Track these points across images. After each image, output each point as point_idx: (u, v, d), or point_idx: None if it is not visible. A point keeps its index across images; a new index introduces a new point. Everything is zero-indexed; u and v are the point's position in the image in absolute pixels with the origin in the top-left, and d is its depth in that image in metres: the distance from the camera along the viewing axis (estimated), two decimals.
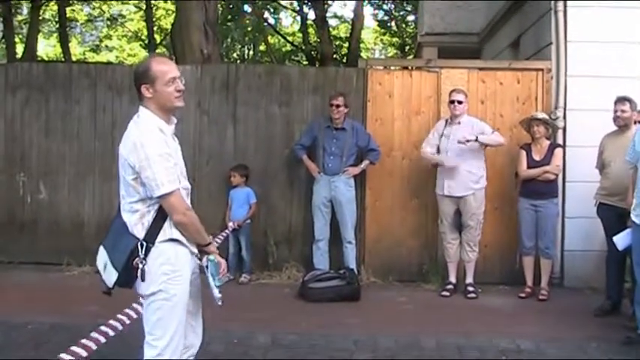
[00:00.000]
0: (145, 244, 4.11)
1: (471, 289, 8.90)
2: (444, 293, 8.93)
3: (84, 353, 4.53)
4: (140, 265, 4.10)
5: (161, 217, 4.15)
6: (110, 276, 4.23)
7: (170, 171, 4.09)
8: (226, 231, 8.90)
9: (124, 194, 4.24)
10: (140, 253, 4.10)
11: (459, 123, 8.88)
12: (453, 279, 9.08)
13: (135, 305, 5.22)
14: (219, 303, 4.35)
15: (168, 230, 4.17)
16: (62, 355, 4.38)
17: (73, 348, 4.56)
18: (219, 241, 8.11)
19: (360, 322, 7.65)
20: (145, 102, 4.24)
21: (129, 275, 4.14)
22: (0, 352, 6.28)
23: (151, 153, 4.04)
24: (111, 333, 5.10)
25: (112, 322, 5.20)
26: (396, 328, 7.38)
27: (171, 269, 4.15)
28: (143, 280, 4.11)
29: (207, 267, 4.32)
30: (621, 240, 7.10)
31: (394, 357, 6.49)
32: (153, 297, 4.17)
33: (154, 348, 4.19)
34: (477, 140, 8.69)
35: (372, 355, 6.52)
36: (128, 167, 4.13)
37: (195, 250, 4.33)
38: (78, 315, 7.18)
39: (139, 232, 4.14)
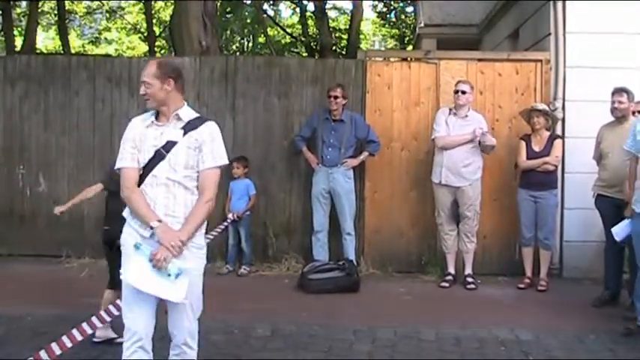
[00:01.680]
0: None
1: (470, 280, 8.92)
2: (443, 284, 8.94)
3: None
4: None
5: None
6: None
7: (122, 151, 4.54)
8: (225, 222, 8.91)
9: None
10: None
11: (466, 116, 8.88)
12: (451, 270, 9.09)
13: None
14: (152, 294, 4.38)
15: (126, 208, 4.59)
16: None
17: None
18: (218, 231, 8.14)
19: (360, 313, 7.66)
20: None
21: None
22: (0, 344, 6.30)
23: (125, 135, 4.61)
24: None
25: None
26: (395, 319, 7.39)
27: (121, 242, 4.57)
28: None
29: (132, 253, 4.43)
30: (619, 231, 7.11)
31: (393, 348, 6.50)
32: None
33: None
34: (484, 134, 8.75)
35: (372, 345, 6.54)
36: None
37: (148, 235, 4.42)
38: (77, 307, 7.18)
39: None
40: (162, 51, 31.35)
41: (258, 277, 9.35)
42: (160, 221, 4.37)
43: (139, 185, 4.46)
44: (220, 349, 6.27)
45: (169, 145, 4.46)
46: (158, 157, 4.44)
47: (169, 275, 4.30)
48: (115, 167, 4.56)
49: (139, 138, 4.50)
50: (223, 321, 6.85)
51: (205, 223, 4.66)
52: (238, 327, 6.92)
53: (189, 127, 4.53)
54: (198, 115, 4.67)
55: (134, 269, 4.36)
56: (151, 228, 4.36)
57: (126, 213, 4.53)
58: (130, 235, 4.49)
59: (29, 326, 6.82)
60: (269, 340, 6.66)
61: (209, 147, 4.56)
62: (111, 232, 5.91)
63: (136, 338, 4.43)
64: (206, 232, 4.78)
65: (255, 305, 7.75)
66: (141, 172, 4.49)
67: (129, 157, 4.49)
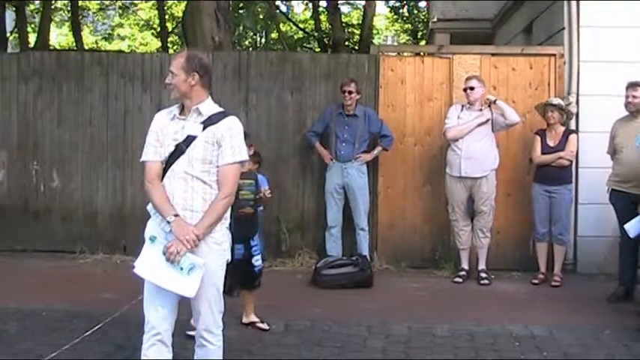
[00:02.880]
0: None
1: (483, 275, 8.89)
2: (457, 280, 8.93)
3: None
4: None
5: None
6: None
7: (147, 144, 4.62)
8: None
9: None
10: None
11: (480, 110, 8.85)
12: (465, 265, 9.07)
13: None
14: (167, 288, 4.39)
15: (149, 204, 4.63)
16: None
17: None
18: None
19: (373, 308, 7.65)
20: None
21: None
22: (15, 339, 6.32)
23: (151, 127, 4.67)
24: None
25: None
26: (409, 314, 7.38)
27: (144, 236, 4.57)
28: None
29: (145, 246, 4.47)
30: (633, 227, 7.07)
31: (407, 343, 6.49)
32: None
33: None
34: (495, 102, 8.79)
35: (385, 341, 6.53)
36: None
37: (167, 228, 4.44)
38: (91, 302, 7.21)
39: None
40: (175, 47, 31.35)
41: (272, 273, 9.31)
42: (176, 215, 4.38)
43: (161, 179, 4.52)
44: (234, 345, 6.26)
45: (189, 140, 4.48)
46: (178, 151, 4.47)
47: (182, 269, 4.30)
48: (140, 160, 4.63)
49: (162, 131, 4.56)
50: (236, 317, 6.84)
51: (227, 219, 4.64)
52: None
53: (208, 121, 4.54)
54: (221, 110, 4.69)
55: (148, 262, 4.38)
56: (168, 222, 4.38)
57: (149, 207, 4.57)
58: (152, 229, 4.53)
59: (44, 321, 6.84)
60: (282, 335, 6.67)
61: (228, 142, 4.52)
62: None
63: (154, 332, 4.45)
64: None
65: (268, 300, 7.74)
66: (163, 165, 4.54)
67: (152, 151, 4.55)
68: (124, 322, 6.39)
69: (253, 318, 6.85)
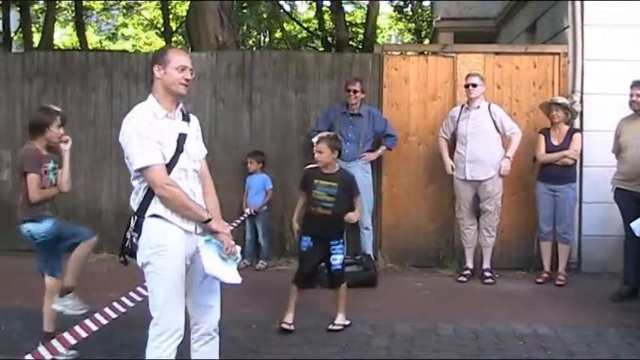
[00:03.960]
0: (137, 217, 4.48)
1: (488, 274, 8.89)
2: (461, 279, 8.93)
3: (84, 334, 4.59)
4: (129, 236, 4.51)
5: (151, 193, 4.43)
6: (121, 246, 4.60)
7: (146, 148, 4.34)
8: (242, 216, 8.91)
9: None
10: (131, 226, 4.50)
11: (478, 107, 8.85)
12: (470, 264, 9.06)
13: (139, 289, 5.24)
14: (227, 282, 4.53)
15: (153, 206, 4.43)
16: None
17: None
18: (234, 225, 8.14)
19: (378, 307, 7.65)
20: (153, 86, 4.57)
21: (126, 246, 4.53)
22: (20, 339, 6.33)
23: (130, 131, 4.39)
24: (113, 315, 5.12)
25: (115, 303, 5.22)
26: (413, 313, 7.38)
27: (155, 243, 4.38)
28: (133, 250, 4.47)
29: (203, 246, 4.45)
30: (638, 226, 7.05)
31: (411, 342, 6.49)
32: (144, 268, 4.45)
33: (153, 317, 4.43)
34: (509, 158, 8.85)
35: (390, 340, 6.53)
36: (123, 147, 4.49)
37: (192, 229, 4.48)
38: (96, 301, 7.20)
39: (134, 206, 4.53)
40: (179, 46, 31.38)
41: (276, 272, 9.35)
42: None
43: None
44: (239, 344, 6.28)
45: (183, 137, 4.52)
46: (179, 150, 4.48)
47: (236, 259, 4.59)
48: (139, 166, 4.35)
49: (159, 132, 4.41)
50: (241, 316, 6.86)
51: None
52: (256, 322, 6.94)
53: (185, 118, 4.64)
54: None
55: (214, 263, 4.45)
56: (206, 222, 4.47)
57: (160, 210, 4.41)
58: (173, 232, 4.43)
59: None
60: (287, 335, 6.66)
61: (200, 137, 4.76)
62: None
63: (178, 335, 4.45)
64: None
65: (273, 300, 7.75)
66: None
67: (157, 154, 4.36)
68: (129, 321, 6.38)
69: (338, 319, 6.93)
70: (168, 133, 4.46)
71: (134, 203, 4.51)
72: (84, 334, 4.59)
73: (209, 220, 4.47)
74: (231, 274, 4.52)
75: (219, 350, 4.83)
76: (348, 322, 6.91)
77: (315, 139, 6.93)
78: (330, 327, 6.83)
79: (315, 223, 6.85)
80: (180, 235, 4.43)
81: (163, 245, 4.37)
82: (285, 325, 6.69)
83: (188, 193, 4.45)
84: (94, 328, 4.66)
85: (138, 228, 4.43)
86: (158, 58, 4.54)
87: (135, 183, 4.52)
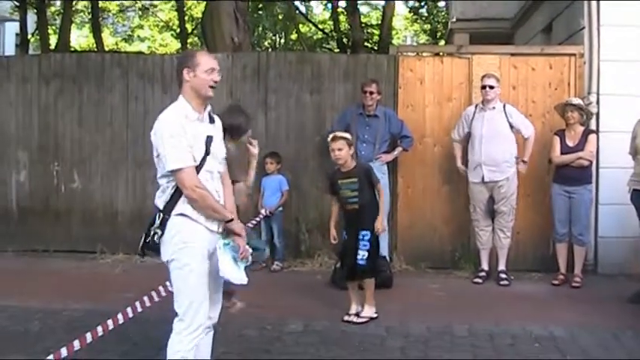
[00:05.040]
0: (162, 215, 4.53)
1: (503, 276, 8.86)
2: (477, 280, 8.90)
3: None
4: (152, 232, 4.54)
5: (178, 192, 4.51)
6: (141, 241, 4.65)
7: (179, 150, 4.43)
8: (257, 217, 8.93)
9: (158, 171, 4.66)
10: (156, 223, 4.53)
11: (493, 108, 8.82)
12: (485, 266, 9.03)
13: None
14: (237, 283, 4.68)
15: (181, 205, 4.52)
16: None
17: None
18: (250, 226, 8.16)
19: (393, 309, 7.62)
20: (182, 89, 4.64)
21: (148, 242, 4.57)
22: (37, 338, 6.37)
23: (164, 133, 4.46)
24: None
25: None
26: (428, 315, 7.37)
27: (181, 240, 4.49)
28: (154, 246, 4.54)
29: (220, 248, 4.58)
30: None
31: (426, 344, 6.48)
32: (170, 265, 4.55)
33: (177, 314, 4.52)
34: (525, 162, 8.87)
35: (404, 341, 6.52)
36: (154, 146, 4.57)
37: (215, 228, 4.62)
38: (112, 302, 7.24)
39: (160, 204, 4.57)
40: (195, 48, 31.46)
41: (291, 273, 9.37)
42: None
43: None
44: (253, 345, 6.29)
45: (210, 140, 4.62)
46: (207, 152, 4.57)
47: (246, 263, 4.74)
48: (172, 168, 4.43)
49: (190, 134, 4.50)
50: (256, 317, 6.86)
51: None
52: (271, 322, 6.93)
53: (211, 120, 4.74)
54: None
55: (226, 265, 4.60)
56: (228, 222, 4.61)
57: (187, 210, 4.51)
58: (198, 230, 4.54)
59: (65, 321, 6.90)
60: (301, 335, 6.67)
61: (222, 137, 4.87)
62: None
63: (201, 329, 4.56)
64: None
65: (287, 301, 7.77)
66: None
67: (188, 157, 4.46)
68: (144, 321, 6.41)
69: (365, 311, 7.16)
70: (198, 136, 4.54)
71: (160, 201, 4.57)
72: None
73: (231, 220, 4.62)
74: (240, 275, 4.67)
75: (235, 350, 4.86)
76: (375, 315, 7.09)
77: (329, 138, 7.17)
78: (354, 319, 7.04)
79: (347, 218, 7.28)
80: (205, 233, 4.55)
81: (189, 242, 4.49)
82: (345, 317, 7.08)
83: (213, 194, 4.57)
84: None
85: (162, 225, 4.50)
86: (187, 62, 4.61)
87: (162, 181, 4.58)
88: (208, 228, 4.56)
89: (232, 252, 4.63)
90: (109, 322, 4.79)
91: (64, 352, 4.39)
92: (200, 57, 4.62)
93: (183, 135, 4.45)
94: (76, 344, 4.50)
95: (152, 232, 4.53)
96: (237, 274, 4.65)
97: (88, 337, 4.62)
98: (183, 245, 4.47)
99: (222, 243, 4.58)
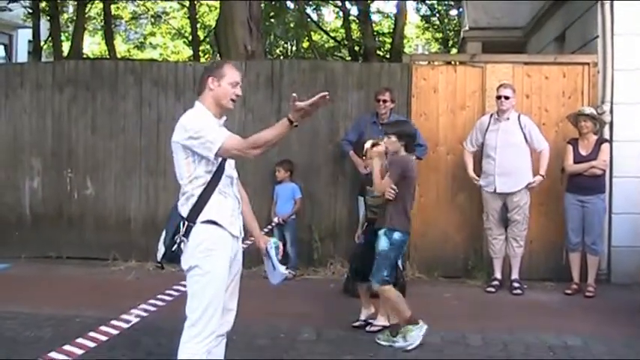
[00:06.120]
0: (187, 223, 4.51)
1: (516, 285, 8.83)
2: (490, 289, 8.88)
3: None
4: (178, 241, 4.51)
5: (203, 200, 4.51)
6: (160, 251, 4.67)
7: (216, 131, 4.45)
8: (270, 225, 8.94)
9: (179, 179, 4.65)
10: (181, 230, 4.51)
11: (508, 119, 8.80)
12: (498, 275, 9.01)
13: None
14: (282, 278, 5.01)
15: (207, 212, 4.51)
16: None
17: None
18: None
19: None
20: (202, 95, 4.68)
21: (173, 251, 4.56)
22: (49, 345, 6.37)
23: (199, 126, 4.46)
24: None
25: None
26: (441, 324, 7.32)
27: (207, 248, 4.48)
28: (178, 254, 4.53)
29: (271, 248, 4.87)
30: None
31: (440, 353, 6.48)
32: (191, 271, 4.51)
33: (189, 319, 4.49)
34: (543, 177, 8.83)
35: (418, 350, 6.50)
36: (179, 149, 4.58)
37: (237, 233, 4.67)
38: (124, 309, 7.24)
39: (185, 212, 4.56)
40: (207, 55, 31.56)
41: (304, 281, 9.36)
42: None
43: (214, 188, 4.54)
44: (266, 353, 6.29)
45: None
46: (224, 158, 4.59)
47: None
48: (221, 142, 4.38)
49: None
50: (269, 325, 6.87)
51: None
52: (284, 331, 6.94)
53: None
54: None
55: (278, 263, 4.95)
56: (291, 123, 4.68)
57: (213, 215, 4.52)
58: (223, 236, 4.56)
59: (77, 328, 6.88)
60: (315, 344, 6.67)
61: None
62: None
63: (213, 337, 4.54)
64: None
65: (300, 309, 7.77)
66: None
67: (225, 132, 4.48)
68: (156, 328, 6.42)
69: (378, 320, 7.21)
70: None
71: (184, 209, 4.55)
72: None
73: (292, 121, 4.60)
74: (284, 269, 5.07)
75: (246, 358, 4.86)
76: (387, 323, 7.04)
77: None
78: (368, 328, 7.06)
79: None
80: (229, 239, 4.58)
81: (214, 250, 4.49)
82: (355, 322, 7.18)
83: (237, 198, 4.71)
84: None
85: (187, 234, 4.49)
86: (214, 71, 4.66)
87: (188, 188, 4.56)
88: (232, 233, 4.57)
89: (276, 251, 4.94)
90: (113, 328, 4.79)
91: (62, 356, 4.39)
92: (227, 69, 4.68)
93: (214, 123, 4.54)
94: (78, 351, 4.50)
95: (178, 241, 4.52)
96: (284, 269, 5.02)
97: (88, 343, 4.61)
98: (208, 253, 4.47)
99: (272, 242, 4.89)
